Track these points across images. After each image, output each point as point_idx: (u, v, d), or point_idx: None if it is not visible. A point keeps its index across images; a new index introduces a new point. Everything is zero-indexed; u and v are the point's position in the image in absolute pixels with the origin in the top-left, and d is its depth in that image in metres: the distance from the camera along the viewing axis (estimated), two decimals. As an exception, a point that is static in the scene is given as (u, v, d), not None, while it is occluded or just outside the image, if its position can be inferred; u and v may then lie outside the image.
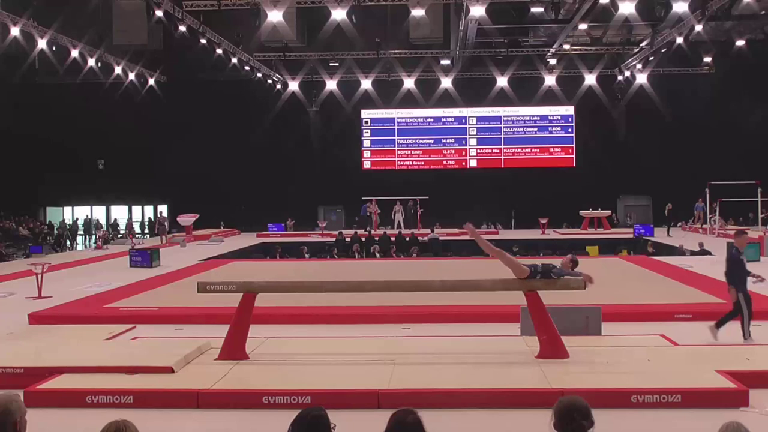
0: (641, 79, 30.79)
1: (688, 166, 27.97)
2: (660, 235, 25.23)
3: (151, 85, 31.95)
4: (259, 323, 7.86)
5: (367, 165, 34.07)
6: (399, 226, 28.36)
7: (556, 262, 7.34)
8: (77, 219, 34.19)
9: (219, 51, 26.28)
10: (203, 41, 24.89)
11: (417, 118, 33.81)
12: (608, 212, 29.57)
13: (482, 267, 15.61)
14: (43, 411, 5.65)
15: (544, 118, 33.57)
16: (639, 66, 30.02)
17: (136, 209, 36.18)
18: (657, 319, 9.40)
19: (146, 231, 34.65)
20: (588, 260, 19.34)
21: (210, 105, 31.37)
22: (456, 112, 33.55)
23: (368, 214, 29.91)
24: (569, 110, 33.22)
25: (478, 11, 21.63)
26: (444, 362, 6.85)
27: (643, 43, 28.17)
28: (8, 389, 3.76)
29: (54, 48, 24.56)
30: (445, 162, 33.94)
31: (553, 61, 30.29)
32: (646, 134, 30.81)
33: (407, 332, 8.81)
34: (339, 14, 22.60)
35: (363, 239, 23.89)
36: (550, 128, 33.61)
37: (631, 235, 26.03)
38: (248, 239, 27.14)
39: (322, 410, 3.31)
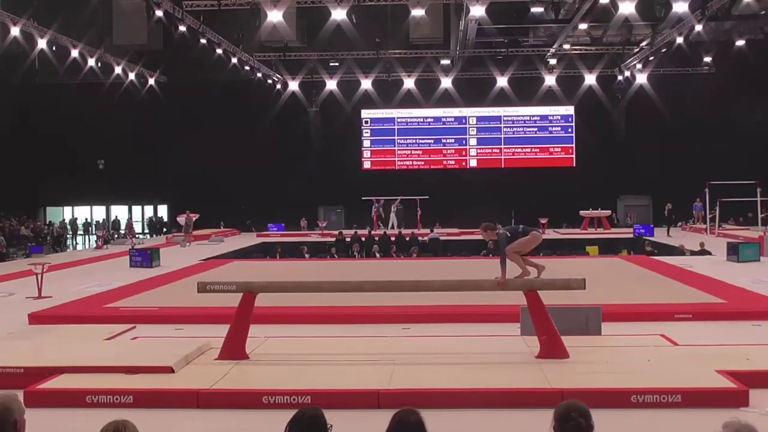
0: (641, 79, 30.79)
1: (688, 166, 27.96)
2: (660, 235, 25.23)
3: (151, 85, 31.95)
4: (259, 323, 7.85)
5: (367, 165, 34.08)
6: (393, 226, 28.31)
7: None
8: (76, 218, 34.21)
9: (219, 51, 26.29)
10: (203, 41, 24.89)
11: (417, 118, 33.81)
12: (608, 212, 29.57)
13: (482, 267, 15.61)
14: (43, 411, 5.65)
15: (544, 118, 33.58)
16: (639, 66, 30.03)
17: (136, 209, 36.19)
18: (657, 319, 9.39)
19: (146, 231, 34.67)
20: (588, 260, 19.35)
21: (210, 105, 31.38)
22: (456, 112, 33.55)
23: (379, 213, 29.64)
24: (569, 110, 33.23)
25: (478, 11, 21.63)
26: (444, 362, 6.85)
27: (643, 43, 28.17)
28: (8, 389, 3.76)
29: (54, 48, 24.55)
30: (445, 162, 33.95)
31: (553, 61, 30.29)
32: (646, 134, 30.80)
33: (407, 332, 8.80)
34: (339, 14, 22.59)
35: (363, 239, 23.90)
36: (550, 128, 33.61)
37: (631, 235, 26.02)
38: (248, 239, 27.15)
39: (319, 410, 3.32)
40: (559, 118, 33.51)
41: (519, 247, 7.47)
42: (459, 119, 33.82)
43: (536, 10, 24.44)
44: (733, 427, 2.91)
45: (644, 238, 24.78)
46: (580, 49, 29.79)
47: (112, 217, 34.96)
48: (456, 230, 27.90)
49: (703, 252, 18.41)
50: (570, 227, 29.45)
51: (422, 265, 17.56)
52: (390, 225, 28.78)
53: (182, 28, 23.17)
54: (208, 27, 24.88)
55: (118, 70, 28.88)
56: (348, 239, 24.04)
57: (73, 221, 33.67)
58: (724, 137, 28.92)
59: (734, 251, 16.37)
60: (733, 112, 28.62)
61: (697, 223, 27.31)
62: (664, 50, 27.23)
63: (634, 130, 31.60)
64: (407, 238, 24.69)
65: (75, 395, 6.05)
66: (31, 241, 26.50)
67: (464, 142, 33.83)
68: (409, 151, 34.02)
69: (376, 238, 24.34)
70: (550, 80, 31.44)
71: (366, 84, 31.80)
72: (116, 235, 29.82)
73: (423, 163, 33.95)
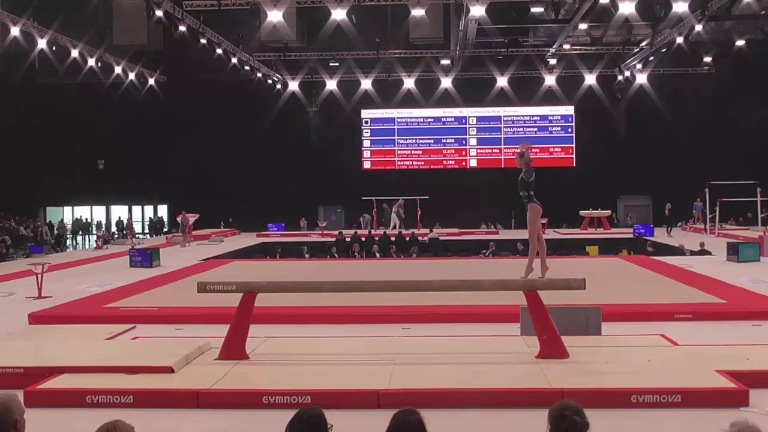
0: (641, 79, 30.80)
1: (688, 166, 27.97)
2: (660, 235, 25.24)
3: (151, 85, 31.95)
4: (259, 323, 7.85)
5: (367, 165, 34.09)
6: (395, 227, 28.31)
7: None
8: (78, 217, 34.19)
9: (219, 51, 26.29)
10: (203, 41, 24.89)
11: (417, 118, 33.82)
12: (608, 212, 29.57)
13: (482, 267, 15.63)
14: (43, 411, 5.65)
15: (544, 118, 33.60)
16: (639, 66, 30.03)
17: (136, 209, 36.19)
18: (657, 319, 9.37)
19: (146, 231, 34.67)
20: (588, 260, 19.35)
21: (210, 105, 31.38)
22: (456, 112, 33.56)
23: (398, 213, 29.51)
24: (569, 110, 33.24)
25: (478, 11, 21.63)
26: (444, 362, 6.84)
27: (643, 43, 28.17)
28: (8, 389, 3.76)
29: (54, 48, 24.54)
30: (445, 162, 33.96)
31: (553, 61, 30.30)
32: (646, 134, 30.81)
33: (407, 332, 8.80)
34: (339, 14, 22.61)
35: (363, 239, 23.90)
36: (550, 128, 33.63)
37: (631, 235, 26.03)
38: (248, 239, 27.14)
39: (319, 410, 3.31)
40: (559, 118, 33.52)
41: (531, 227, 7.72)
42: (459, 119, 33.83)
43: (536, 10, 24.46)
44: (738, 427, 2.93)
45: (645, 238, 24.78)
46: (580, 49, 29.78)
47: (114, 218, 34.97)
48: (456, 230, 27.91)
49: (703, 252, 18.41)
50: (570, 227, 29.45)
51: (422, 265, 17.54)
52: (392, 225, 28.79)
53: (182, 28, 23.17)
54: (208, 27, 24.87)
55: (118, 70, 28.88)
56: (348, 239, 24.05)
57: (76, 221, 33.64)
58: (724, 137, 28.92)
59: (734, 251, 16.36)
60: (733, 112, 28.60)
61: (697, 223, 27.31)
62: (664, 50, 27.22)
63: (634, 130, 31.60)
64: (407, 238, 24.70)
65: (75, 395, 6.05)
66: (31, 241, 26.49)
67: (464, 142, 33.84)
68: (409, 151, 34.03)
69: (376, 238, 24.35)
70: (550, 80, 31.44)
71: (366, 84, 31.80)
72: (116, 235, 29.81)
73: (423, 163, 33.95)
